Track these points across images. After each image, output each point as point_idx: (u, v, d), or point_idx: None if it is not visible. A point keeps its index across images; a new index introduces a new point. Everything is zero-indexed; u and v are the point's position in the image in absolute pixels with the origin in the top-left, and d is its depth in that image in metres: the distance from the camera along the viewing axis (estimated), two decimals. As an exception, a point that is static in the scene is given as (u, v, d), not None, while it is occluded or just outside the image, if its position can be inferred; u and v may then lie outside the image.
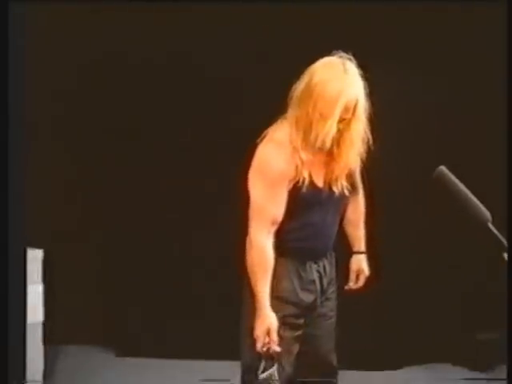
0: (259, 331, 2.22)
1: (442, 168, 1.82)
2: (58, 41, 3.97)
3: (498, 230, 1.71)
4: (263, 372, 2.22)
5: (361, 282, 2.57)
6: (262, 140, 2.25)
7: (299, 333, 2.34)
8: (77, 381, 3.76)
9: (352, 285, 2.57)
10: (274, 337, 2.22)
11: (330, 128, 2.13)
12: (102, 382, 3.79)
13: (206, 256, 4.04)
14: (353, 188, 2.39)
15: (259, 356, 2.24)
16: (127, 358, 4.13)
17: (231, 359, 3.74)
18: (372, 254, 2.62)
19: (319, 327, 2.43)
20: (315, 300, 2.37)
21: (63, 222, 4.15)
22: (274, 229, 2.23)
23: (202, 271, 4.08)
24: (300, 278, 2.32)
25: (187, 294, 4.12)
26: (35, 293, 3.43)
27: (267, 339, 2.21)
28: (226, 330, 3.90)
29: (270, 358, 2.23)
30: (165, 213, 4.11)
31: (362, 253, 2.58)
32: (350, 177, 2.32)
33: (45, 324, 3.50)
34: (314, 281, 2.35)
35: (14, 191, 1.75)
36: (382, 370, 3.95)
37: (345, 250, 2.59)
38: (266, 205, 2.20)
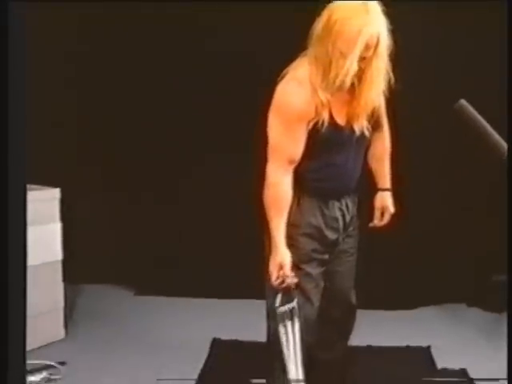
0: (272, 266, 2.25)
1: (463, 101, 1.79)
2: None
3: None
4: (281, 306, 2.24)
5: (385, 220, 2.58)
6: (282, 78, 2.21)
7: (324, 269, 2.37)
8: (96, 318, 3.82)
9: (377, 222, 2.58)
10: (288, 271, 2.24)
11: (350, 66, 2.08)
12: (120, 319, 3.84)
13: (223, 195, 4.05)
14: (376, 126, 2.37)
15: (276, 291, 2.26)
16: (146, 297, 4.21)
17: (246, 297, 3.87)
18: (396, 191, 2.60)
19: (340, 264, 2.46)
20: (338, 237, 2.39)
21: (79, 161, 4.16)
22: (291, 167, 2.22)
23: (220, 210, 4.10)
24: (323, 215, 2.33)
25: (204, 233, 4.16)
26: (54, 231, 3.45)
27: (281, 273, 2.23)
28: (242, 269, 3.99)
29: (287, 292, 2.25)
30: (183, 149, 4.10)
31: (386, 190, 2.57)
32: (371, 116, 2.29)
33: (64, 262, 3.53)
34: (336, 218, 2.37)
35: (18, 130, 1.73)
36: (397, 310, 3.99)
37: (369, 188, 2.57)
38: (284, 144, 2.19)
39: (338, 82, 2.11)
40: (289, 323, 2.25)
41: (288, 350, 2.26)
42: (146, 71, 4.03)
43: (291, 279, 2.24)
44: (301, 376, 2.26)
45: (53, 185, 3.48)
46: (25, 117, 1.73)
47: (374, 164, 2.53)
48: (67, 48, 4.02)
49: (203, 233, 4.17)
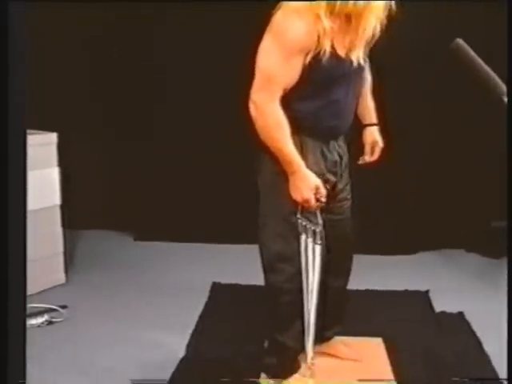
0: (306, 192, 2.18)
1: (459, 40, 1.76)
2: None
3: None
4: (302, 219, 2.24)
5: (376, 155, 2.56)
6: (278, 10, 2.10)
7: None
8: (97, 263, 3.84)
9: (367, 158, 2.56)
10: (323, 190, 2.21)
11: None
12: (121, 264, 3.87)
13: (224, 140, 4.01)
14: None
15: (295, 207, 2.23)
16: (146, 242, 4.23)
17: (246, 243, 3.88)
18: (394, 134, 2.60)
19: (341, 212, 2.46)
20: (336, 182, 2.37)
21: (77, 106, 4.12)
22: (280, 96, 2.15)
23: (221, 155, 4.08)
24: (326, 159, 2.30)
25: (205, 178, 4.15)
26: (51, 176, 3.44)
27: (319, 193, 2.20)
28: (242, 214, 3.99)
29: (312, 214, 2.24)
30: (178, 96, 4.06)
31: (374, 125, 2.55)
32: (367, 46, 2.22)
33: (63, 208, 3.52)
34: (336, 162, 2.35)
35: (18, 76, 1.70)
36: (397, 255, 4.01)
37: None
38: (281, 74, 2.10)
39: (340, 8, 2.02)
40: (310, 242, 2.26)
41: (306, 271, 2.29)
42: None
43: (324, 198, 2.22)
44: (314, 303, 2.30)
45: (50, 129, 3.45)
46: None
47: (359, 100, 2.44)
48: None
49: (204, 177, 4.15)
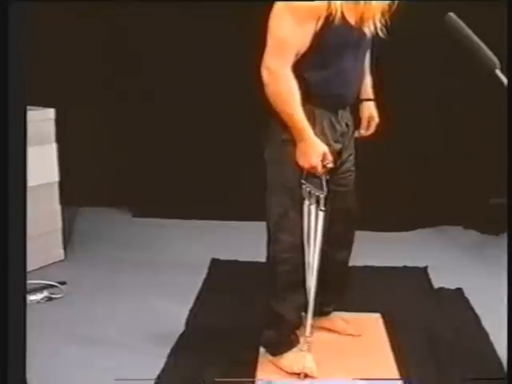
0: (314, 159, 2.21)
1: (451, 14, 1.76)
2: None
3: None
4: (306, 184, 2.26)
5: (372, 129, 2.60)
6: None
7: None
8: (95, 240, 3.84)
9: (363, 132, 2.59)
10: (330, 156, 2.24)
11: None
12: (119, 241, 3.87)
13: (224, 115, 4.00)
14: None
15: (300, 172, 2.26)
16: (144, 219, 4.23)
17: (245, 219, 3.89)
18: (380, 102, 2.61)
19: (345, 184, 2.48)
20: (341, 152, 2.39)
21: (74, 82, 4.08)
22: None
23: (220, 131, 4.05)
24: (334, 128, 2.32)
25: (203, 154, 4.13)
26: (49, 152, 3.42)
27: (326, 159, 2.22)
28: (241, 190, 3.99)
29: (317, 180, 2.26)
30: (177, 72, 4.03)
31: (370, 100, 2.59)
32: (383, 17, 2.22)
33: (61, 184, 3.51)
34: (344, 132, 2.38)
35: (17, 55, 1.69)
36: (396, 231, 4.02)
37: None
38: (294, 39, 2.13)
39: None
40: (313, 208, 2.28)
41: (308, 239, 2.31)
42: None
43: (332, 164, 2.25)
44: (315, 274, 2.32)
45: (47, 105, 3.42)
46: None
47: None
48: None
49: (202, 154, 4.14)
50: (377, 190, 3.77)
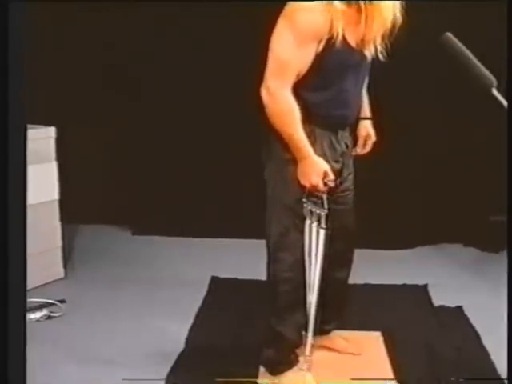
0: (314, 178, 2.22)
1: (448, 34, 1.78)
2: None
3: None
4: (308, 203, 2.26)
5: (368, 148, 2.62)
6: None
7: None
8: (95, 258, 3.83)
9: (359, 150, 2.61)
10: (332, 175, 2.25)
11: None
12: (119, 259, 3.87)
13: (226, 134, 4.01)
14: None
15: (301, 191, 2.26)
16: (144, 237, 4.23)
17: (244, 237, 3.89)
18: (377, 121, 2.64)
19: (344, 202, 2.48)
20: (342, 171, 2.40)
21: (75, 101, 4.11)
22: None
23: (220, 151, 4.07)
24: (334, 149, 2.33)
25: (203, 173, 4.14)
26: (50, 170, 3.43)
27: (327, 178, 2.24)
28: (240, 208, 3.99)
29: (318, 198, 2.26)
30: (178, 90, 4.05)
31: (368, 118, 2.61)
32: (384, 39, 2.24)
33: (61, 202, 3.52)
34: (343, 152, 2.39)
35: (19, 70, 1.70)
36: (396, 249, 4.02)
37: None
38: (295, 60, 2.14)
39: None
40: (314, 226, 2.29)
41: (309, 258, 2.31)
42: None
43: (333, 182, 2.26)
44: (315, 293, 2.32)
45: (48, 124, 3.44)
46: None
47: None
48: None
49: (202, 172, 4.15)
50: (376, 208, 3.78)
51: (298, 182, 2.26)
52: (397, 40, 2.23)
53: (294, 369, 2.47)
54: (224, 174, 4.09)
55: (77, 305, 3.19)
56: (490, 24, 3.44)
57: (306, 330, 2.42)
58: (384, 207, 3.92)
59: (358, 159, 2.57)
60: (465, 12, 3.58)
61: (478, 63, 1.76)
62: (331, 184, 2.26)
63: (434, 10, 3.46)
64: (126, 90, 4.12)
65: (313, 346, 2.45)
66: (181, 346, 2.78)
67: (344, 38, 2.13)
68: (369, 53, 2.23)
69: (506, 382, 2.11)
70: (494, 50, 2.82)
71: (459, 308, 3.19)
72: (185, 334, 2.89)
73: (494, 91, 1.74)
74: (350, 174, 2.49)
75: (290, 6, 2.12)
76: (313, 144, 2.24)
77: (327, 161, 2.28)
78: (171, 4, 3.76)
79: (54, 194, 3.48)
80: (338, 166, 2.37)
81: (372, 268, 3.53)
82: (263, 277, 2.45)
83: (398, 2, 2.17)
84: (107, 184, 4.26)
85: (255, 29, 2.58)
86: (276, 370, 2.48)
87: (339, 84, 2.23)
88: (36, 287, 3.30)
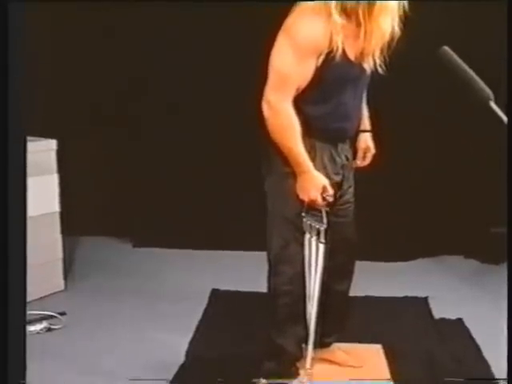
0: (313, 193, 2.23)
1: (445, 48, 1.80)
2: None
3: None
4: (307, 217, 2.27)
5: (367, 160, 2.63)
6: (294, 10, 2.16)
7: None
8: (96, 270, 3.83)
9: (359, 162, 2.61)
10: (331, 190, 2.25)
11: None
12: (119, 271, 3.86)
13: (219, 144, 4.02)
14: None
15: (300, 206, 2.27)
16: (144, 249, 4.23)
17: (245, 249, 3.89)
18: (376, 134, 2.65)
19: (345, 215, 2.48)
20: (342, 184, 2.40)
21: (76, 113, 4.12)
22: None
23: (221, 161, 4.08)
24: (334, 162, 2.34)
25: (204, 184, 4.15)
26: (51, 183, 3.44)
27: (326, 193, 2.24)
28: (241, 220, 3.99)
29: (318, 213, 2.27)
30: (179, 102, 4.06)
31: (367, 131, 2.61)
32: (383, 52, 2.25)
33: (62, 214, 3.52)
34: (343, 165, 2.40)
35: (19, 82, 1.70)
36: (396, 261, 4.01)
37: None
38: (295, 75, 2.16)
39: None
40: (314, 240, 2.29)
41: (309, 272, 2.31)
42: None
43: (331, 197, 2.26)
44: (315, 306, 2.32)
45: (49, 136, 3.45)
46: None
47: None
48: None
49: (203, 184, 4.15)
50: (377, 220, 3.78)
51: (297, 195, 2.27)
52: (395, 53, 2.25)
53: (295, 382, 2.46)
54: (225, 186, 4.10)
55: (77, 317, 3.18)
56: (488, 32, 3.47)
57: (307, 343, 2.42)
58: (384, 219, 3.92)
59: (357, 171, 2.58)
60: (462, 23, 3.61)
61: (475, 77, 1.77)
62: (330, 199, 2.26)
63: (432, 22, 3.48)
64: (127, 98, 4.12)
65: (313, 358, 2.45)
66: (181, 358, 2.78)
67: (343, 52, 2.15)
68: (368, 66, 2.25)
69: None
70: (492, 61, 2.84)
71: (459, 320, 3.19)
72: (185, 346, 2.88)
73: (492, 104, 1.75)
74: (350, 186, 2.49)
75: (289, 21, 2.14)
76: (313, 157, 2.25)
77: (328, 174, 2.29)
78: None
79: (55, 205, 3.48)
80: (338, 179, 2.37)
81: (372, 280, 3.52)
82: (264, 289, 2.45)
83: (396, 16, 2.18)
84: (108, 196, 4.26)
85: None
86: (277, 382, 2.47)
87: (338, 97, 2.24)
88: (36, 299, 3.30)
